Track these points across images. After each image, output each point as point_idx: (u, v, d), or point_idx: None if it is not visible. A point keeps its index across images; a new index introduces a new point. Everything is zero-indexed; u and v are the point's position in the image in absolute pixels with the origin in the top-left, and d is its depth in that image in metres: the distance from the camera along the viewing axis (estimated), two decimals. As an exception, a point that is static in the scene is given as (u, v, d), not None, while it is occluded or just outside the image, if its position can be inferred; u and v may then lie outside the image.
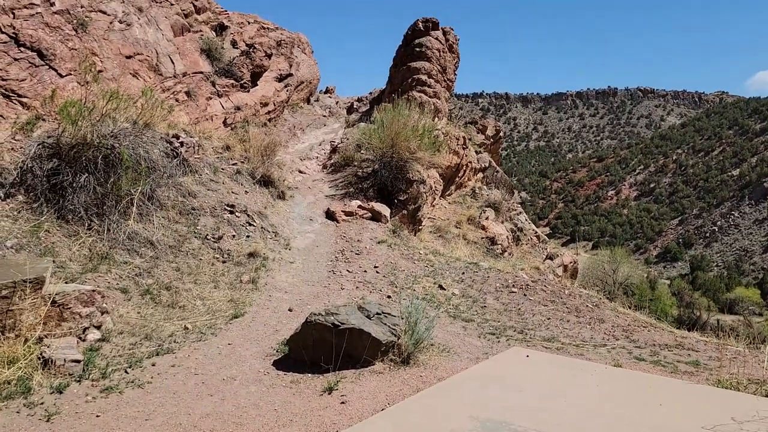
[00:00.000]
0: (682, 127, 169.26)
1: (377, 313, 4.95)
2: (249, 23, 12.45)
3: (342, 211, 9.26)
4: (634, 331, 6.32)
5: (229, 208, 7.96)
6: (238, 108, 10.80)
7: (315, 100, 13.92)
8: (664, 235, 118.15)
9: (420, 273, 7.74)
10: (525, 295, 7.23)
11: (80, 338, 4.82)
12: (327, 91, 15.39)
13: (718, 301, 73.96)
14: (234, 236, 7.55)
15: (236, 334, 5.34)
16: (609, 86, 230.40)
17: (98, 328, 5.10)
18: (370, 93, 14.87)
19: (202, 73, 10.50)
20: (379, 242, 8.51)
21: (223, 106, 10.60)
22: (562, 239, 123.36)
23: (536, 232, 16.54)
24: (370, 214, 9.40)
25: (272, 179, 9.43)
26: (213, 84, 10.61)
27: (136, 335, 5.15)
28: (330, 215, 9.29)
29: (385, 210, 9.52)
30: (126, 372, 4.38)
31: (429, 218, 12.11)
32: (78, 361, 4.25)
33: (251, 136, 9.96)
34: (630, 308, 7.33)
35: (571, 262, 11.52)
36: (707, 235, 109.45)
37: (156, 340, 5.09)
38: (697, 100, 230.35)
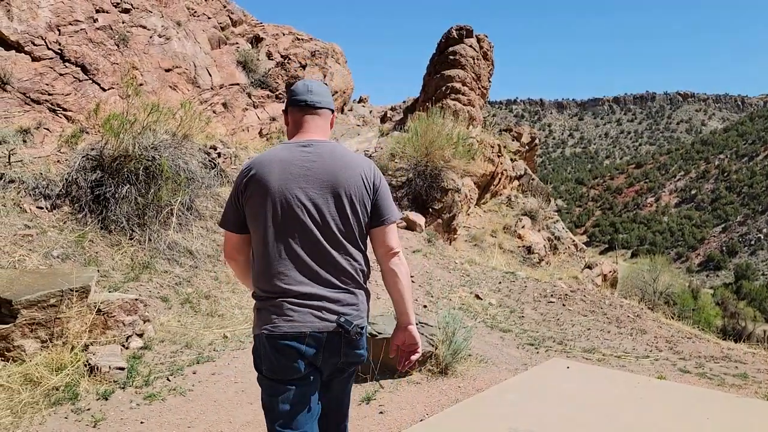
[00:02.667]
0: (725, 132, 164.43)
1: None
2: (284, 35, 12.65)
3: (377, 220, 9.28)
4: (678, 343, 6.12)
5: (265, 218, 8.06)
6: (273, 119, 10.96)
7: (349, 110, 14.02)
8: (706, 243, 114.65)
9: (456, 282, 7.67)
10: (564, 305, 7.09)
11: (124, 346, 4.93)
12: (361, 101, 15.50)
13: (765, 311, 71.27)
14: (271, 245, 7.63)
15: (274, 342, 5.38)
16: (647, 91, 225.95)
17: (140, 336, 5.21)
18: (404, 101, 14.90)
19: (238, 84, 10.69)
20: (414, 251, 8.48)
21: (258, 117, 10.77)
22: (600, 247, 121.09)
23: (574, 241, 16.26)
24: (404, 223, 9.38)
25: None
26: (249, 95, 10.79)
27: (177, 343, 5.23)
28: (365, 224, 9.31)
29: (419, 219, 9.49)
30: (168, 380, 4.46)
31: (464, 227, 12.03)
32: (122, 369, 4.34)
33: (287, 147, 10.07)
34: (672, 319, 7.11)
35: (610, 272, 11.26)
36: (752, 242, 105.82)
37: (196, 348, 5.17)
38: (740, 103, 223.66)
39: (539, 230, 13.06)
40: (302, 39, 13.01)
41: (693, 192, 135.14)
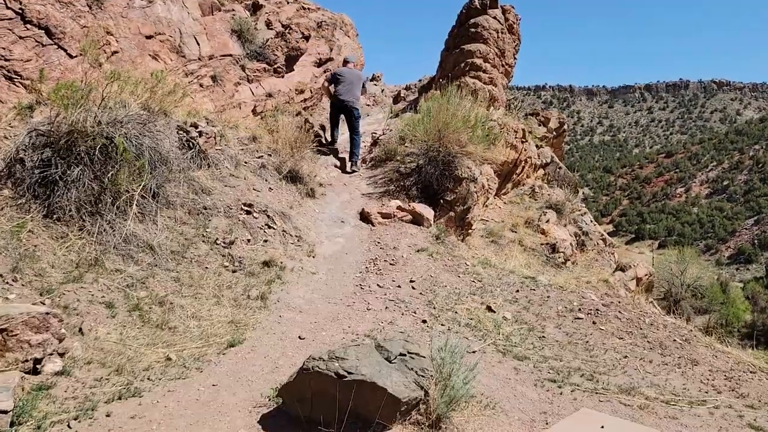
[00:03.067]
0: (761, 122, 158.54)
1: (401, 354, 3.77)
2: (288, 2, 11.44)
3: (378, 213, 8.11)
4: (741, 381, 4.87)
5: (246, 208, 6.95)
6: (269, 95, 9.82)
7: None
8: (737, 235, 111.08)
9: (465, 290, 6.49)
10: (594, 322, 5.86)
11: (31, 372, 3.90)
12: (373, 79, 14.28)
13: (796, 307, 68.73)
14: (249, 241, 6.53)
15: (227, 369, 4.29)
16: (680, 78, 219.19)
17: (62, 355, 4.16)
18: (419, 80, 13.62)
19: (231, 56, 9.56)
20: (418, 250, 7.31)
21: (253, 93, 9.64)
22: (627, 237, 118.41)
23: (602, 235, 14.90)
24: (410, 216, 8.20)
25: (301, 175, 8.37)
26: (243, 68, 9.66)
27: (107, 366, 4.18)
28: (364, 217, 8.15)
29: (427, 212, 8.29)
30: (69, 426, 3.40)
31: (482, 220, 10.79)
32: (5, 412, 3.30)
33: (281, 126, 8.94)
34: (725, 343, 5.83)
35: (646, 275, 9.94)
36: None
37: (127, 374, 4.10)
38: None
39: (565, 225, 11.75)
40: (308, 8, 11.79)
41: (725, 183, 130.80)
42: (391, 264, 6.87)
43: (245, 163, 8.13)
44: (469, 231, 9.49)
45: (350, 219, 8.12)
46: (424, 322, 5.52)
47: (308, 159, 9.28)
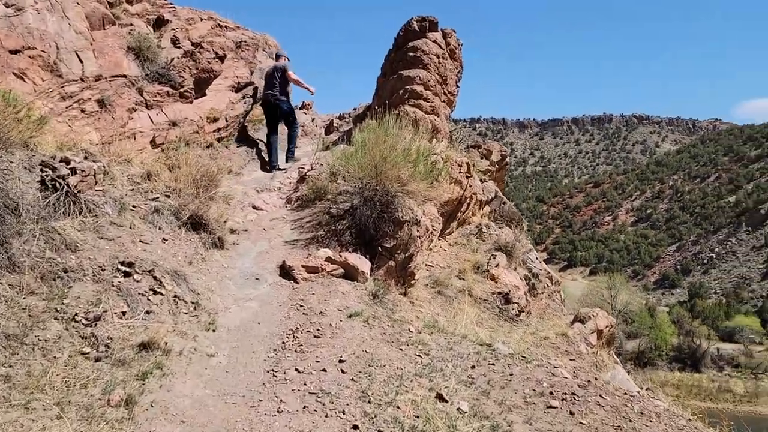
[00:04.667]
0: (678, 154, 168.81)
1: None
2: (201, 20, 9.98)
3: (303, 267, 6.65)
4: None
5: (124, 268, 5.33)
6: (173, 123, 8.27)
7: (285, 117, 11.41)
8: (661, 261, 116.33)
9: (409, 370, 5.10)
10: (572, 413, 4.60)
11: None
12: (303, 107, 12.95)
13: (718, 330, 71.67)
14: (124, 314, 4.90)
15: None
16: (604, 112, 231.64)
17: None
18: (354, 109, 12.40)
19: (125, 77, 7.97)
20: (351, 315, 5.89)
21: (152, 121, 8.06)
22: (560, 264, 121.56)
23: (548, 273, 13.98)
24: (342, 269, 6.79)
25: (206, 220, 6.82)
26: (140, 91, 8.08)
27: None
28: (286, 272, 6.67)
29: (362, 264, 6.91)
30: None
31: (426, 265, 9.52)
32: None
33: (184, 161, 7.39)
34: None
35: (607, 326, 8.91)
36: (705, 261, 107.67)
37: None
38: (691, 126, 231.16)
39: (515, 268, 10.66)
40: (225, 26, 10.36)
41: (648, 211, 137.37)
42: (315, 336, 5.40)
43: (133, 207, 6.50)
44: (412, 282, 8.18)
45: (268, 275, 6.62)
46: (355, 428, 4.08)
47: (219, 200, 7.74)
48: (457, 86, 10.99)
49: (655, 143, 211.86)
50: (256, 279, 6.48)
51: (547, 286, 12.12)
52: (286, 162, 9.83)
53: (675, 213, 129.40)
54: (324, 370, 4.86)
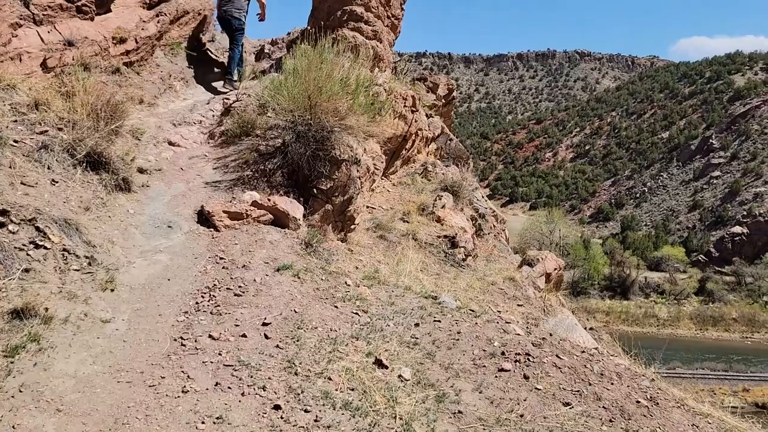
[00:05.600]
0: (617, 90, 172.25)
1: None
2: None
3: (225, 212, 5.80)
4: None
5: (-5, 219, 4.35)
6: (69, 43, 6.98)
7: (209, 41, 10.11)
8: (597, 195, 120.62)
9: (344, 332, 4.46)
10: (526, 377, 4.11)
11: None
12: (230, 30, 11.61)
13: (647, 260, 75.90)
14: (-7, 275, 3.99)
15: None
16: (548, 48, 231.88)
17: None
18: (288, 34, 11.19)
19: (3, -16, 6.58)
20: (279, 269, 5.14)
21: (42, 39, 6.77)
22: (502, 200, 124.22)
23: (494, 211, 13.66)
24: (270, 215, 5.98)
25: (108, 158, 5.78)
26: (26, 4, 6.72)
27: None
28: (205, 218, 5.81)
29: (294, 209, 6.13)
30: None
31: (368, 207, 8.83)
32: None
33: (82, 87, 6.24)
34: (699, 401, 4.34)
35: (555, 269, 8.57)
36: (637, 195, 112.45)
37: None
38: (630, 63, 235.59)
39: (462, 209, 10.13)
40: (134, -70, 8.83)
41: (587, 147, 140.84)
42: (236, 295, 4.66)
43: (15, 142, 5.40)
44: (352, 227, 7.48)
45: (183, 222, 5.74)
46: (277, 408, 3.43)
47: (126, 134, 6.68)
48: (402, 9, 9.98)
49: (595, 80, 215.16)
50: (169, 227, 5.60)
51: (494, 226, 11.73)
52: (224, 86, 9.05)
53: (612, 149, 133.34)
54: (244, 335, 4.15)
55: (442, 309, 5.12)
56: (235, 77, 9.05)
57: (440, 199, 9.33)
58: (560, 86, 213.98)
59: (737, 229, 73.80)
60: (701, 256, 74.27)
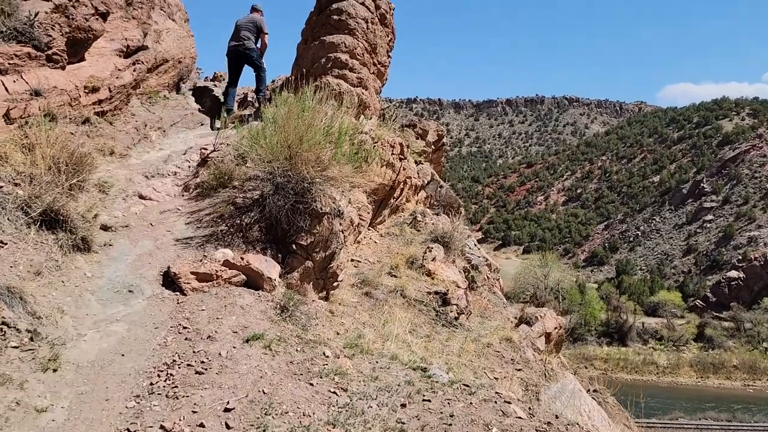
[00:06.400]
0: (606, 135, 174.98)
1: None
2: (81, -31, 8.20)
3: (193, 273, 5.28)
4: None
5: None
6: (37, 93, 6.59)
7: (190, 89, 9.81)
8: (591, 239, 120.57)
9: (319, 417, 3.90)
10: (530, 470, 3.54)
11: None
12: (214, 79, 11.36)
13: (643, 305, 75.03)
14: None
15: None
16: (537, 94, 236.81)
17: None
18: (273, 81, 10.93)
19: (-34, 31, 6.24)
20: (248, 340, 4.60)
21: (7, 89, 6.38)
22: (495, 243, 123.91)
23: (487, 261, 13.16)
24: (243, 275, 5.47)
25: (66, 215, 5.30)
26: (-11, 51, 6.37)
27: None
28: (170, 281, 5.28)
29: (269, 268, 5.62)
30: None
31: (353, 260, 8.33)
32: None
33: (45, 139, 5.81)
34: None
35: (555, 328, 8.04)
36: (631, 239, 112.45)
37: None
38: (618, 109, 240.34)
39: (453, 260, 9.64)
40: (114, -22, 8.61)
41: (579, 191, 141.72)
42: (198, 372, 4.10)
43: (-38, 199, 4.93)
44: (335, 283, 6.95)
45: (146, 285, 5.21)
46: None
47: (92, 188, 6.21)
48: (389, 56, 9.75)
49: (584, 125, 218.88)
50: (129, 291, 5.06)
51: (487, 277, 11.23)
52: (258, 104, 9.70)
53: (603, 192, 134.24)
54: (202, 425, 3.58)
55: (433, 384, 4.56)
56: (267, 96, 9.61)
57: (430, 251, 8.85)
58: (550, 131, 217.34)
59: (733, 273, 73.41)
60: (698, 301, 73.58)
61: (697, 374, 55.95)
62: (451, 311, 7.56)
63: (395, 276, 8.15)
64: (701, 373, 56.00)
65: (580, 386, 6.97)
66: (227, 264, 5.47)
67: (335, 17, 8.79)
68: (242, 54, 9.55)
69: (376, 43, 9.13)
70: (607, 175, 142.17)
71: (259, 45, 9.75)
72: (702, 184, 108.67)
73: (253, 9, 10.03)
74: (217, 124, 8.79)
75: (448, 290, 7.92)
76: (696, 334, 63.71)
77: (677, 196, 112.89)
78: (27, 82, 6.60)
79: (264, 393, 4.00)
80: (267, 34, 9.83)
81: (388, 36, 9.67)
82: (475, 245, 13.87)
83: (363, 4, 8.99)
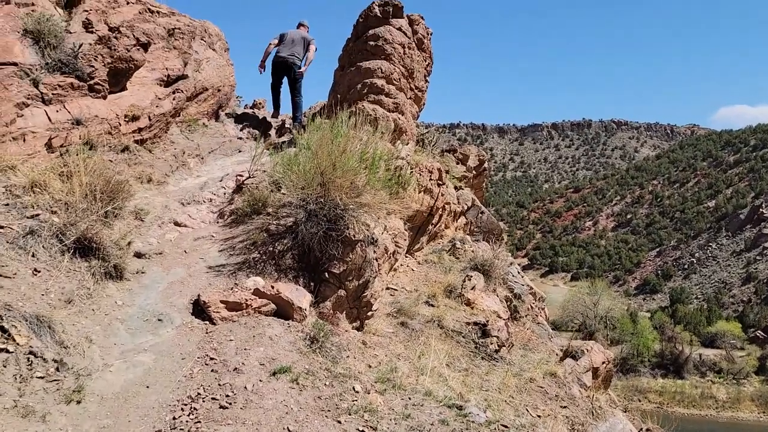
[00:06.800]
0: (657, 159, 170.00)
1: None
2: (128, 3, 8.49)
3: (222, 302, 5.19)
4: None
5: (-51, 318, 3.84)
6: (78, 122, 6.76)
7: (229, 116, 9.94)
8: (642, 266, 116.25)
9: (346, 458, 3.67)
10: None
11: None
12: (255, 106, 11.52)
13: (700, 335, 71.25)
14: (-67, 388, 3.42)
15: None
16: (583, 118, 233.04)
17: None
18: (310, 108, 10.98)
19: (15, 64, 6.47)
20: (275, 373, 4.43)
21: (50, 118, 6.55)
22: (541, 270, 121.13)
23: (532, 289, 12.68)
24: (273, 305, 5.34)
25: (100, 242, 5.32)
26: (35, 83, 6.57)
27: None
28: (200, 310, 5.20)
29: (300, 297, 5.48)
30: None
31: (389, 289, 8.12)
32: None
33: (84, 167, 5.90)
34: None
35: (603, 363, 7.57)
36: (686, 267, 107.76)
37: None
38: (669, 132, 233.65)
39: (494, 290, 9.30)
40: (158, 12, 8.86)
41: (629, 216, 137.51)
42: (222, 407, 3.95)
43: (1, 228, 5.00)
44: (369, 313, 6.75)
45: (176, 314, 5.14)
46: None
47: (128, 215, 6.26)
48: (426, 81, 9.64)
49: (634, 148, 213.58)
50: (159, 320, 5.00)
51: (531, 307, 10.79)
52: (293, 129, 9.73)
53: (655, 218, 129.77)
54: (221, 465, 3.41)
55: (468, 424, 4.28)
56: (303, 122, 9.56)
57: (470, 279, 8.56)
58: (597, 155, 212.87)
59: (796, 303, 69.27)
60: (759, 332, 69.58)
61: (759, 409, 52.61)
62: (492, 343, 7.22)
63: (433, 305, 7.89)
64: (764, 407, 52.63)
65: (631, 426, 6.49)
66: (257, 293, 5.36)
67: (372, 43, 8.77)
68: (290, 65, 9.95)
69: (413, 68, 9.05)
70: (659, 199, 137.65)
71: (306, 59, 10.17)
72: (761, 210, 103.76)
73: (300, 25, 10.50)
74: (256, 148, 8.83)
75: (488, 321, 7.59)
76: (757, 367, 60.08)
77: (734, 222, 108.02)
78: (69, 112, 6.77)
79: (289, 431, 3.80)
80: (315, 48, 10.26)
81: (425, 61, 9.58)
82: (519, 273, 13.43)
83: (400, 29, 8.95)
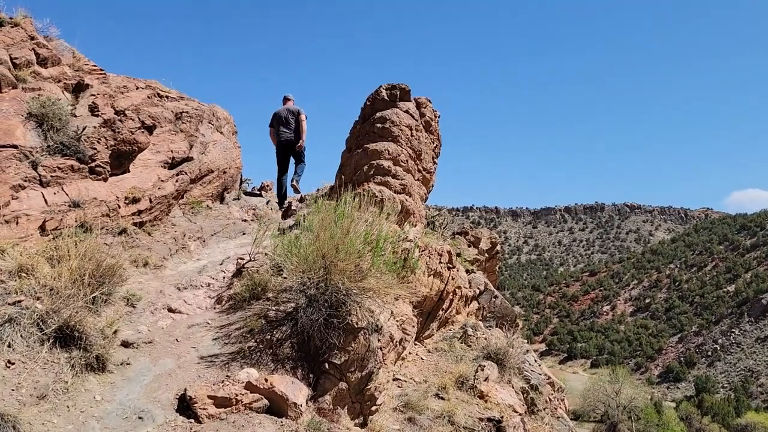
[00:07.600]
0: (672, 242, 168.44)
1: None
2: (138, 88, 8.62)
3: (210, 398, 4.74)
4: None
5: None
6: (76, 204, 6.61)
7: (234, 198, 9.82)
8: (664, 353, 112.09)
9: None
10: None
11: None
12: (261, 188, 11.46)
13: (729, 427, 67.14)
14: None
15: None
16: (596, 201, 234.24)
17: None
18: (317, 190, 10.89)
19: (15, 147, 6.42)
20: (260, 482, 3.91)
21: (46, 201, 6.41)
22: (560, 356, 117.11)
23: (550, 379, 11.91)
24: (266, 400, 4.87)
25: (83, 331, 4.97)
26: (34, 165, 6.49)
27: None
28: (186, 406, 4.75)
29: (295, 392, 5.01)
30: None
31: (396, 380, 7.56)
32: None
33: (75, 251, 5.66)
34: None
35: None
36: (709, 354, 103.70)
37: None
38: (683, 215, 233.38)
39: (509, 380, 8.68)
40: (167, 96, 8.99)
41: (647, 301, 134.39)
42: None
43: (-22, 314, 4.69)
44: (373, 408, 6.21)
45: (158, 411, 4.68)
46: None
47: (119, 301, 5.94)
48: (435, 163, 9.54)
49: (648, 231, 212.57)
50: (139, 418, 4.54)
51: (549, 399, 10.07)
52: (291, 182, 10.56)
53: (674, 302, 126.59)
54: None
55: None
56: (299, 180, 10.56)
57: (482, 369, 7.98)
58: (612, 238, 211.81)
59: (832, 391, 65.72)
60: (792, 423, 65.58)
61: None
62: (508, 442, 6.56)
63: (443, 398, 7.29)
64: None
65: None
66: (249, 386, 4.91)
67: (379, 125, 8.75)
68: (290, 145, 10.50)
69: (421, 149, 8.96)
70: (677, 283, 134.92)
71: (301, 131, 10.58)
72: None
73: (286, 99, 10.99)
74: (259, 230, 8.62)
75: (503, 416, 6.97)
76: (792, 462, 56.05)
77: (757, 307, 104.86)
78: (67, 194, 6.64)
79: None
80: (305, 116, 10.68)
81: (433, 143, 9.52)
82: (536, 361, 12.71)
83: (407, 111, 8.95)
